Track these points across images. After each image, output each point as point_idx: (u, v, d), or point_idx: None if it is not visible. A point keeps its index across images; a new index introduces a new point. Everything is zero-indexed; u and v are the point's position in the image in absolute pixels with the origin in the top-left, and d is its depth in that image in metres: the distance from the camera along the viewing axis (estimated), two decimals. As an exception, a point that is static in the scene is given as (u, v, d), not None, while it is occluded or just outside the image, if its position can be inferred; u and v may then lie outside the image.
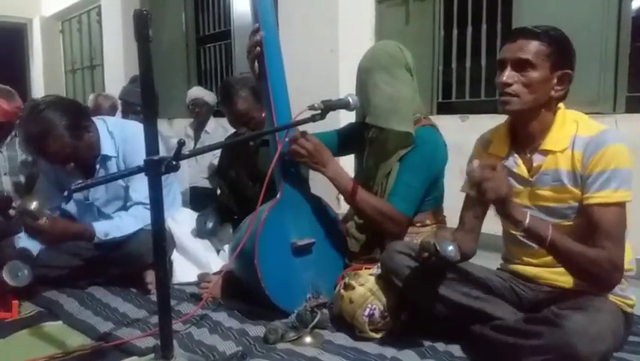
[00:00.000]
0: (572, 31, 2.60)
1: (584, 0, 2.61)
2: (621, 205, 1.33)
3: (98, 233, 1.95)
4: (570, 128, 1.40)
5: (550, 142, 1.41)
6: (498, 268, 1.64)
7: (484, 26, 3.06)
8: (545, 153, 1.41)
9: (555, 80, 1.38)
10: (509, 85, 1.38)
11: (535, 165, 1.44)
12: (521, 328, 1.33)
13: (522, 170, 1.46)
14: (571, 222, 1.41)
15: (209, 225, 2.32)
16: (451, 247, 1.36)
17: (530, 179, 1.44)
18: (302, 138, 1.77)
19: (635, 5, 2.51)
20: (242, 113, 2.32)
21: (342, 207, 1.99)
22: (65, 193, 2.17)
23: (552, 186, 1.41)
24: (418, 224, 1.87)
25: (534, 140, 1.44)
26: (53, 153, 1.92)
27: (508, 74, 1.38)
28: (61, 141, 1.90)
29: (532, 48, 1.36)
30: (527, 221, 1.30)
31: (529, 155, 1.45)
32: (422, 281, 1.52)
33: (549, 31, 1.38)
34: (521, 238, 1.50)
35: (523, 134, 1.46)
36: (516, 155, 1.48)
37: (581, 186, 1.37)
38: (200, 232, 2.31)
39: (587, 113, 2.45)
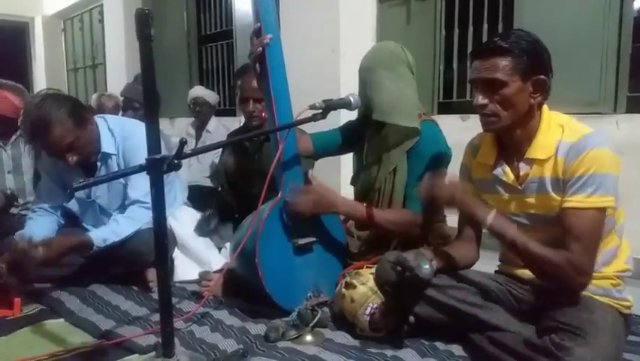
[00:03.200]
0: (574, 31, 2.65)
1: (586, 0, 2.62)
2: (597, 210, 1.31)
3: (96, 241, 1.94)
4: (555, 134, 1.38)
5: (535, 150, 1.40)
6: (496, 271, 1.64)
7: (485, 26, 3.06)
8: (531, 161, 1.40)
9: (531, 89, 1.36)
10: (485, 106, 1.38)
11: (522, 173, 1.43)
12: (521, 352, 1.32)
13: (510, 178, 1.45)
14: (558, 229, 1.39)
15: (212, 225, 2.33)
16: (427, 267, 1.37)
17: (519, 187, 1.44)
18: (302, 194, 1.77)
19: (636, 5, 2.50)
20: None
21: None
22: (68, 192, 2.19)
23: (539, 194, 1.40)
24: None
25: (520, 147, 1.43)
26: (56, 140, 1.91)
27: (481, 96, 1.38)
28: (64, 127, 1.91)
29: (497, 65, 1.34)
30: (490, 221, 1.34)
31: (516, 163, 1.45)
32: (415, 291, 1.50)
33: (513, 41, 1.34)
34: None
35: (509, 143, 1.46)
36: (504, 163, 1.47)
37: (562, 192, 1.36)
38: (202, 232, 2.32)
39: (587, 114, 2.51)
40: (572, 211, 1.32)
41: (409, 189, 1.84)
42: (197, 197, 2.76)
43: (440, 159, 1.84)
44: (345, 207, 1.84)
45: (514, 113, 1.37)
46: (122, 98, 3.88)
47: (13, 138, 2.60)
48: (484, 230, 1.63)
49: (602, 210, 1.31)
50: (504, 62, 1.34)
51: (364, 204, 1.86)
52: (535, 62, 1.35)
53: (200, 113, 3.88)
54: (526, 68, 1.34)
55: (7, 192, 2.52)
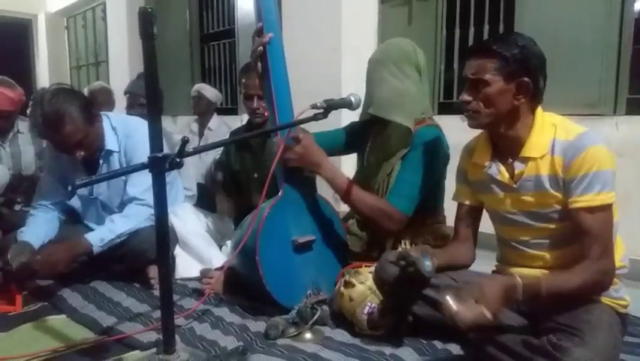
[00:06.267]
0: (574, 33, 2.66)
1: (587, 1, 2.62)
2: (606, 208, 1.33)
3: (94, 242, 1.96)
4: (549, 133, 1.40)
5: (529, 149, 1.42)
6: (493, 271, 1.65)
7: (486, 27, 3.07)
8: (526, 160, 1.43)
9: (514, 90, 1.39)
10: (468, 102, 1.43)
11: (517, 171, 1.45)
12: (519, 352, 1.32)
13: (505, 177, 1.47)
14: (556, 225, 1.42)
15: (219, 176, 2.36)
16: (429, 263, 1.38)
17: (514, 185, 1.46)
18: (294, 144, 1.78)
19: (637, 7, 2.51)
20: None
21: (341, 206, 2.00)
22: (69, 189, 2.20)
23: (535, 191, 1.42)
24: (417, 224, 1.88)
25: (514, 147, 1.45)
26: (67, 136, 1.93)
27: (466, 94, 1.44)
28: (75, 124, 1.92)
29: (481, 66, 1.39)
30: (520, 292, 1.28)
31: (511, 162, 1.47)
32: (414, 290, 1.51)
33: (501, 44, 1.37)
34: (514, 243, 1.51)
35: (502, 143, 1.48)
36: (498, 162, 1.49)
37: (564, 190, 1.38)
38: (212, 181, 2.34)
39: (587, 115, 2.51)
40: (585, 211, 1.34)
41: (395, 186, 1.83)
42: (199, 195, 2.77)
43: (438, 164, 1.85)
44: (328, 173, 1.81)
45: (495, 112, 1.41)
46: (126, 95, 3.88)
47: (11, 134, 2.60)
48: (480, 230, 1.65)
49: (610, 207, 1.34)
50: (489, 64, 1.38)
51: (348, 178, 1.84)
52: (521, 66, 1.38)
53: (196, 106, 3.92)
54: (511, 70, 1.37)
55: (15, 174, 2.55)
